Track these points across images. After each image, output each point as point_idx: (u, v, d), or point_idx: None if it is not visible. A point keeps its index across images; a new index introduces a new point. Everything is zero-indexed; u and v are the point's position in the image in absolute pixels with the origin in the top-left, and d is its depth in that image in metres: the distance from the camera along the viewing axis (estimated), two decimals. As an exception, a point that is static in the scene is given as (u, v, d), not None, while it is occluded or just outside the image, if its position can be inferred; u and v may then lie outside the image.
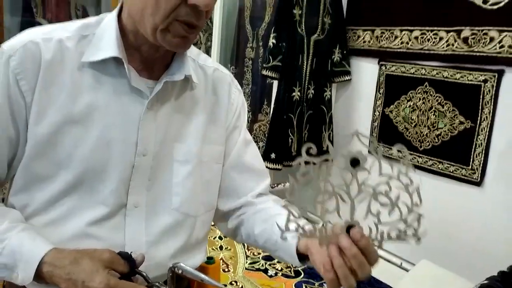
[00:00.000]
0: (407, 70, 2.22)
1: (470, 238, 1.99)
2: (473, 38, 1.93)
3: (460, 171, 2.02)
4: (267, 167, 2.27)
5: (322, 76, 2.47)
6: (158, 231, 0.82)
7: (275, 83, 2.50)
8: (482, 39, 1.90)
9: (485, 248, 1.92)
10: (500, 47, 1.84)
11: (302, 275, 2.20)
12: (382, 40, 2.34)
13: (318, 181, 0.61)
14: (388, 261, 2.18)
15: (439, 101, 2.09)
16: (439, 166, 2.11)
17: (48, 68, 0.75)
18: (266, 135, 2.52)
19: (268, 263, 2.30)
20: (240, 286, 2.10)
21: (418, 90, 2.18)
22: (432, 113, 2.12)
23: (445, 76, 2.06)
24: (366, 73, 2.46)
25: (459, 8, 1.98)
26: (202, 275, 0.75)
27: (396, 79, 2.28)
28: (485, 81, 1.91)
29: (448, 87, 2.05)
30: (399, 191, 0.61)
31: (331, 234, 0.66)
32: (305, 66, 2.40)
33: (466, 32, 1.96)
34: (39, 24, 3.54)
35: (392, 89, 2.31)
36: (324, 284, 2.08)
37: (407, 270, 2.07)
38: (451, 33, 2.02)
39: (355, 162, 0.61)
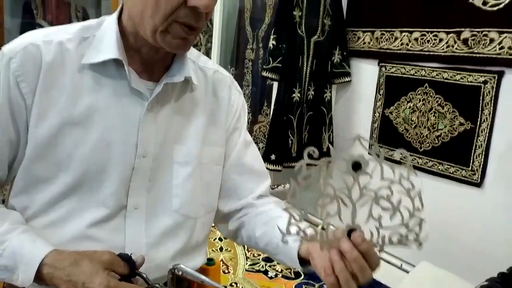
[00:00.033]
0: (407, 72, 2.22)
1: (470, 239, 1.98)
2: (473, 40, 1.93)
3: (460, 172, 2.02)
4: (267, 168, 2.26)
5: (322, 78, 2.47)
6: (158, 232, 0.82)
7: (275, 85, 2.50)
8: (482, 41, 1.90)
9: (485, 249, 1.91)
10: (500, 48, 1.84)
11: (302, 277, 2.19)
12: (382, 42, 2.34)
13: (319, 184, 0.61)
14: (388, 262, 2.18)
15: (439, 102, 2.09)
16: (439, 167, 2.10)
17: (49, 70, 0.75)
18: (266, 136, 2.52)
19: (268, 264, 2.29)
20: (240, 287, 2.10)
21: (418, 91, 2.17)
22: (432, 114, 2.12)
23: (445, 77, 2.05)
24: (366, 75, 2.46)
25: (459, 9, 1.98)
26: (202, 277, 0.75)
27: (396, 80, 2.27)
28: (485, 82, 1.91)
29: (448, 89, 2.04)
30: (400, 195, 0.60)
31: (332, 238, 0.65)
32: (305, 68, 2.40)
33: (466, 33, 1.96)
34: (40, 25, 3.55)
35: (392, 90, 2.30)
36: (324, 286, 2.07)
37: (407, 272, 2.06)
38: (451, 35, 2.02)
39: (357, 166, 0.61)
